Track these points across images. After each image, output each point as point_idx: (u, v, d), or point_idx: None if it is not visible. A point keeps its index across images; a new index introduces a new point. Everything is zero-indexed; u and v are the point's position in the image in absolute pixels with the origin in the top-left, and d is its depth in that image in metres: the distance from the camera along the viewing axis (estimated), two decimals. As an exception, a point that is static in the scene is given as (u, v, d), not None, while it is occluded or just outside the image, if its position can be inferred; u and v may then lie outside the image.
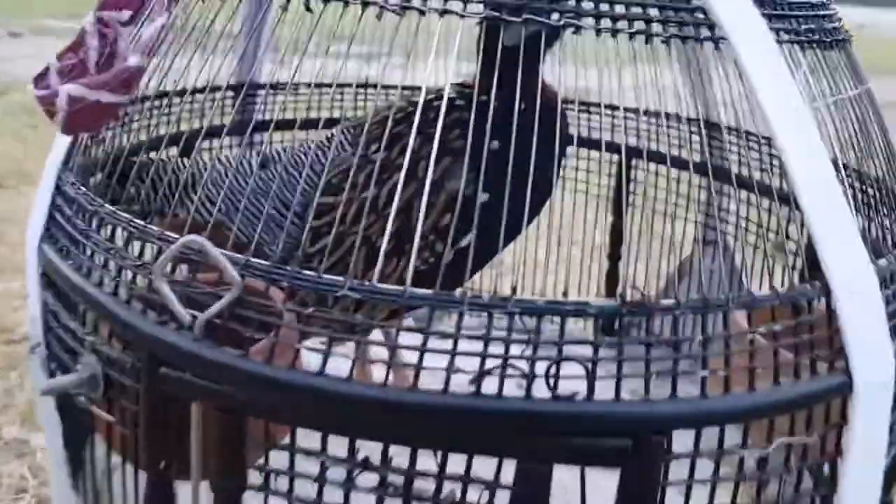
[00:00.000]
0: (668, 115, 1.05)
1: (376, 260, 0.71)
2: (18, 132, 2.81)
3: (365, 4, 0.50)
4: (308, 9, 0.52)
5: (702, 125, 0.99)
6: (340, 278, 0.47)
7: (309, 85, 1.00)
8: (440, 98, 0.74)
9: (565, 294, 0.47)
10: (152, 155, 0.74)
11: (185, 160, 0.82)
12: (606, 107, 1.13)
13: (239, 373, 0.47)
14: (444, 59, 0.53)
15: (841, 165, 0.55)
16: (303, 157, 0.83)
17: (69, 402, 0.63)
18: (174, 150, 0.90)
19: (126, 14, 0.59)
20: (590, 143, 1.11)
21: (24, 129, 2.84)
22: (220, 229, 0.71)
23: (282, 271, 0.48)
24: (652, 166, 1.09)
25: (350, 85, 1.07)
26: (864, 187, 0.63)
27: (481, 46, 0.73)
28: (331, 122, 1.00)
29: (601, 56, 0.62)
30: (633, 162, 1.09)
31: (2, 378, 1.21)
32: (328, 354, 0.46)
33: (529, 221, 0.71)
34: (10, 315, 1.41)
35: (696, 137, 1.01)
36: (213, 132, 0.89)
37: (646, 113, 1.03)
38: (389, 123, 0.59)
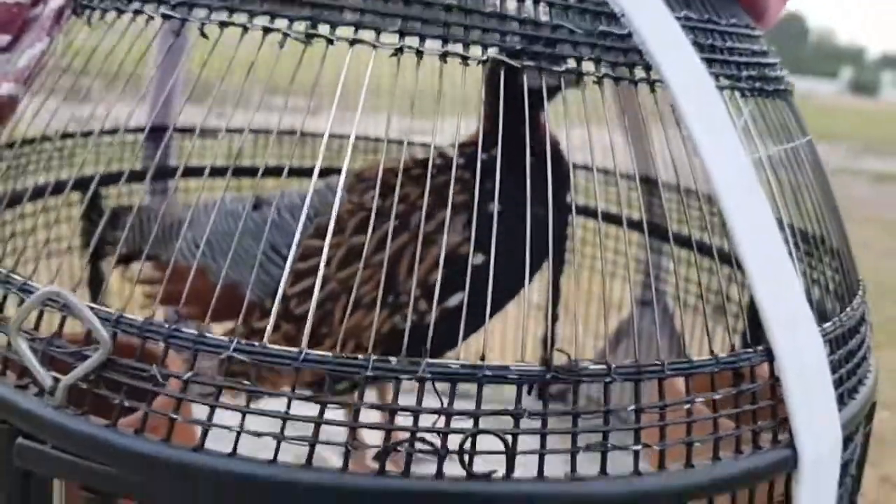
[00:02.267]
0: (605, 171, 1.02)
1: (356, 309, 0.67)
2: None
3: (266, 31, 0.45)
4: (203, 34, 0.46)
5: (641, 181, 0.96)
6: (224, 339, 0.41)
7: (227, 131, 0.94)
8: (444, 156, 0.74)
9: (482, 358, 0.41)
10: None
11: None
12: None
13: (105, 446, 0.41)
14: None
15: (784, 223, 0.51)
16: (298, 201, 0.80)
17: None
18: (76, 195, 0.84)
19: (5, 38, 0.53)
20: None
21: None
22: (205, 273, 0.66)
23: (157, 329, 0.41)
24: (590, 223, 1.06)
25: (270, 132, 1.02)
26: (806, 246, 0.59)
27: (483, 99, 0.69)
28: (243, 171, 0.95)
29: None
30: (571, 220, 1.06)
31: None
32: (209, 427, 0.40)
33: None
34: None
35: (634, 195, 0.98)
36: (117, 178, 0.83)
37: (582, 168, 1.00)
38: (390, 174, 0.57)
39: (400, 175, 0.57)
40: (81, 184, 0.76)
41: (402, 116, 0.56)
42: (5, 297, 0.46)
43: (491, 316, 0.54)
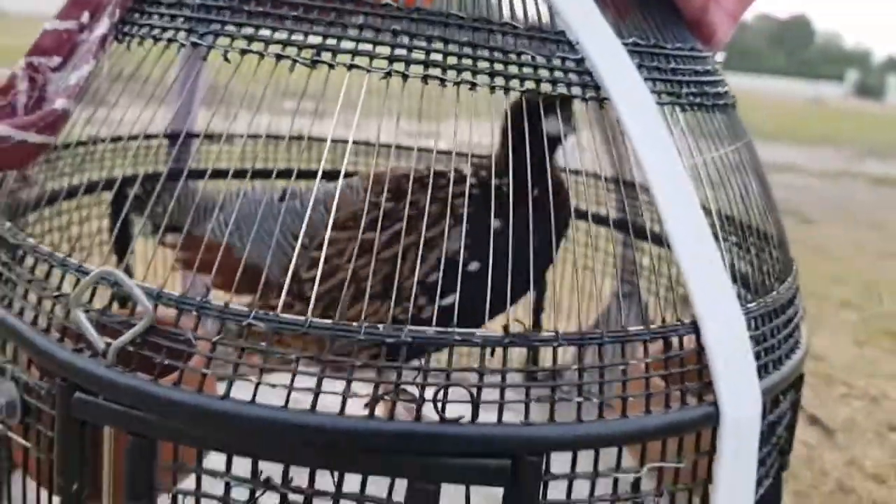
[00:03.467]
0: (586, 174, 1.11)
1: (361, 298, 0.75)
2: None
3: (279, 58, 0.55)
4: (226, 59, 0.56)
5: (616, 183, 1.05)
6: (245, 308, 0.50)
7: (242, 136, 1.04)
8: (458, 171, 0.82)
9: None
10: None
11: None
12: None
13: (149, 397, 0.50)
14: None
15: (714, 213, 0.60)
16: (321, 196, 0.86)
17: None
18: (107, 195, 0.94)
19: (56, 60, 0.63)
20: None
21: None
22: (230, 251, 0.75)
23: (190, 301, 0.51)
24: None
25: (283, 137, 1.12)
26: (737, 235, 0.69)
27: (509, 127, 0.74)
28: (259, 174, 1.04)
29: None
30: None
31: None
32: (233, 380, 0.50)
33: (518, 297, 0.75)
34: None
35: (612, 195, 1.08)
36: (148, 179, 0.93)
37: (569, 172, 1.09)
38: (406, 181, 0.65)
39: (411, 182, 0.67)
40: (130, 181, 0.87)
41: (409, 120, 0.65)
42: (63, 277, 0.55)
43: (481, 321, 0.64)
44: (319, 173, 0.60)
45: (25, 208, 0.71)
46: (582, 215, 1.04)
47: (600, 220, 1.05)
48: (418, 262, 0.77)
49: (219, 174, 0.99)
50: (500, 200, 0.68)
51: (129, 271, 0.97)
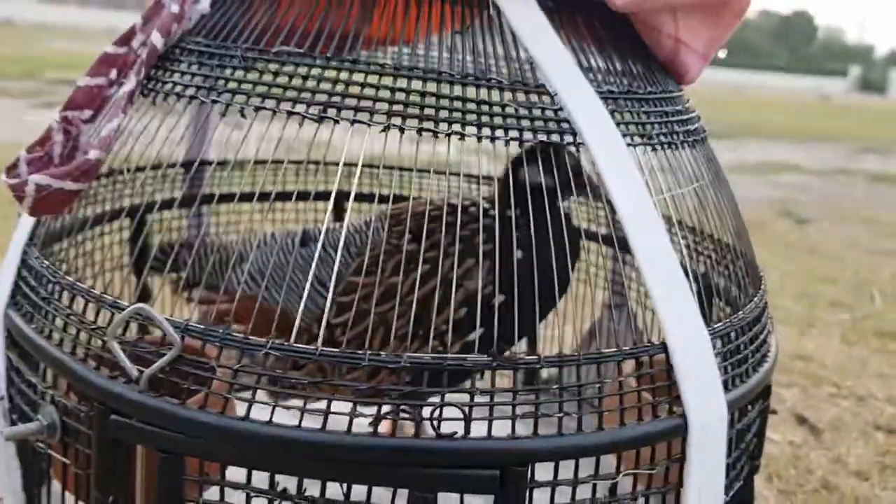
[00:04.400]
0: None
1: (389, 340, 0.78)
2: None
3: (289, 114, 0.61)
4: (242, 115, 0.63)
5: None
6: (263, 340, 0.57)
7: (251, 162, 1.11)
8: (474, 204, 0.84)
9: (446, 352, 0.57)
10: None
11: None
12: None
13: (177, 419, 0.57)
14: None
15: (681, 240, 0.67)
16: (338, 238, 0.88)
17: (27, 449, 0.71)
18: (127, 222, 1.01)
19: (87, 113, 0.69)
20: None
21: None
22: (263, 304, 0.79)
23: (215, 333, 0.58)
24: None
25: (291, 161, 1.18)
26: (712, 256, 0.75)
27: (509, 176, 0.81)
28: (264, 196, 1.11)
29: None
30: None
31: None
32: (252, 403, 0.56)
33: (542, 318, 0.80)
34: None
35: (601, 213, 1.14)
36: (165, 205, 1.00)
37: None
38: (424, 220, 0.71)
39: (427, 221, 0.72)
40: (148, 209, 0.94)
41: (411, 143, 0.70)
42: (98, 311, 0.62)
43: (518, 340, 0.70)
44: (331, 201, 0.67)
45: (52, 238, 0.78)
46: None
47: (591, 237, 1.12)
48: (451, 300, 0.78)
49: (230, 198, 1.06)
50: (520, 231, 0.72)
51: (147, 292, 1.05)
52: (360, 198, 1.26)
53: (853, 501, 1.28)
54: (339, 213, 1.28)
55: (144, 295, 1.03)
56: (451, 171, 1.25)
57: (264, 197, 1.18)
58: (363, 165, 1.27)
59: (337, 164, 1.25)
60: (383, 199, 1.13)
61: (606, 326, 1.20)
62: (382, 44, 0.76)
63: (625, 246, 1.12)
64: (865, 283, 2.65)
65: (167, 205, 1.05)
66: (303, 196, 1.23)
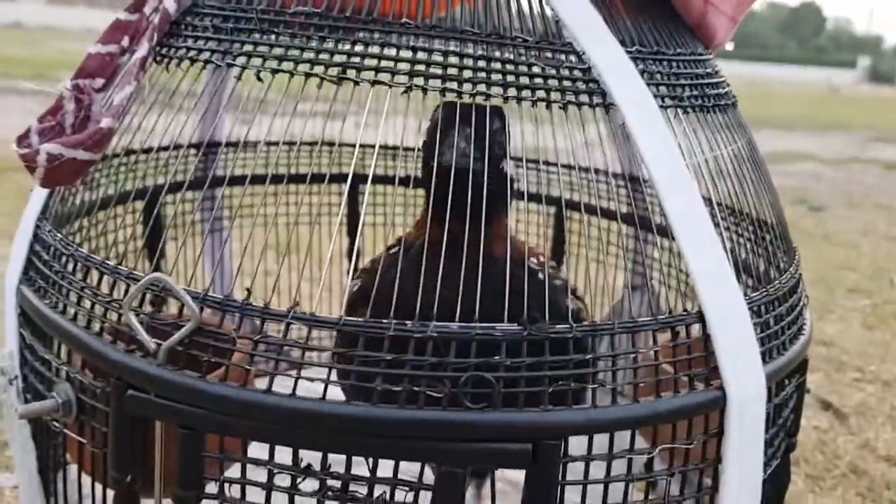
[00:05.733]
0: (597, 171, 1.15)
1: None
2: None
3: (307, 76, 0.59)
4: (259, 78, 0.60)
5: (627, 179, 1.09)
6: (284, 309, 0.55)
7: (265, 143, 1.09)
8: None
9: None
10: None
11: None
12: (543, 163, 1.24)
13: (198, 393, 0.55)
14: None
15: (717, 206, 0.64)
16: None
17: (42, 431, 0.69)
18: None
19: (99, 81, 0.67)
20: (529, 197, 1.21)
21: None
22: None
23: (234, 304, 0.55)
24: (585, 217, 1.19)
25: (303, 143, 1.16)
26: (746, 226, 0.72)
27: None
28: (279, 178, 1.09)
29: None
30: (568, 213, 1.20)
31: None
32: (275, 375, 0.54)
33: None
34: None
35: (622, 191, 1.12)
36: (176, 187, 0.98)
37: (578, 168, 1.13)
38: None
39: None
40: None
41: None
42: (114, 284, 0.60)
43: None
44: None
45: (69, 216, 0.75)
46: (593, 210, 1.07)
47: (611, 216, 1.10)
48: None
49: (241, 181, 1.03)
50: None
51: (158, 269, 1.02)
52: (376, 180, 1.24)
53: (883, 486, 1.25)
54: (353, 196, 1.25)
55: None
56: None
57: (277, 179, 1.16)
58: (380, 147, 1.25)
59: (351, 146, 1.23)
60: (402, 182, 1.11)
61: (627, 306, 1.18)
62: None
63: (646, 225, 1.10)
64: (883, 270, 2.61)
65: (178, 187, 1.02)
66: (317, 178, 1.21)
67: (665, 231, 1.02)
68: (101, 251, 0.83)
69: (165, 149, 0.98)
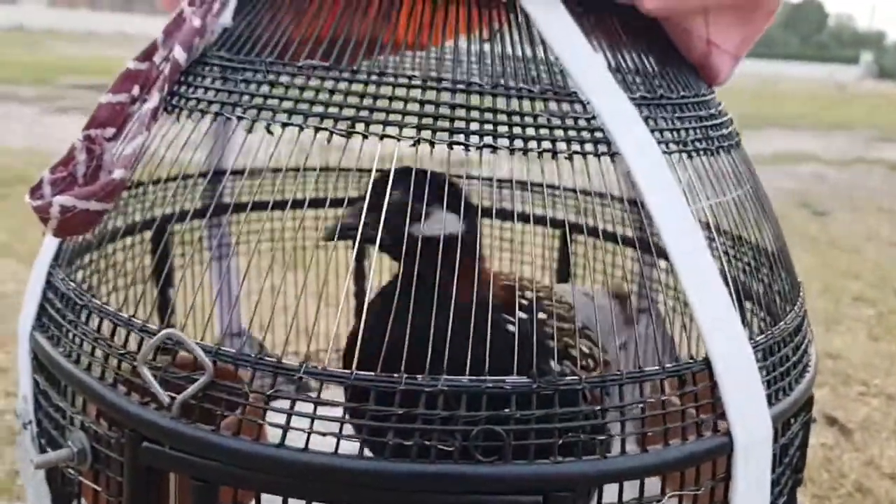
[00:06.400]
0: (602, 195, 1.15)
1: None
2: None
3: (317, 130, 0.60)
4: (269, 132, 0.61)
5: (631, 204, 1.09)
6: (296, 364, 0.55)
7: (269, 170, 1.10)
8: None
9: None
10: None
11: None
12: (549, 186, 1.25)
13: (211, 446, 0.55)
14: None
15: (721, 251, 0.65)
16: None
17: (56, 474, 0.70)
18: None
19: (110, 131, 0.68)
20: (535, 219, 1.22)
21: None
22: None
23: (247, 358, 0.56)
24: (591, 240, 1.20)
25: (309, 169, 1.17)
26: (749, 263, 0.73)
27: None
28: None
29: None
30: (573, 236, 1.20)
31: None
32: (287, 429, 0.55)
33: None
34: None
35: (628, 216, 1.12)
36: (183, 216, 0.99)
37: (583, 192, 1.13)
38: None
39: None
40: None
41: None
42: (128, 335, 0.61)
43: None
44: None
45: (77, 252, 0.76)
46: (608, 236, 1.08)
47: (625, 241, 1.10)
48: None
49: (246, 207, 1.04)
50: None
51: (166, 302, 1.03)
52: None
53: (888, 504, 1.25)
54: None
55: (163, 306, 1.02)
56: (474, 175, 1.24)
57: (279, 206, 1.17)
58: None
59: (351, 171, 1.24)
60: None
61: (635, 331, 1.18)
62: (410, 48, 0.74)
63: (651, 249, 1.11)
64: (888, 278, 2.62)
65: (183, 216, 1.03)
66: (316, 203, 1.22)
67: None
68: (111, 281, 0.84)
69: (173, 179, 1.00)
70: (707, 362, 0.60)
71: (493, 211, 1.22)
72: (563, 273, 1.27)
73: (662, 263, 1.09)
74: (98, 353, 0.62)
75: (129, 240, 0.96)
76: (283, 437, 0.55)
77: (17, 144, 3.86)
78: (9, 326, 1.73)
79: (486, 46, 0.67)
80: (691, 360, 0.60)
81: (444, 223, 0.68)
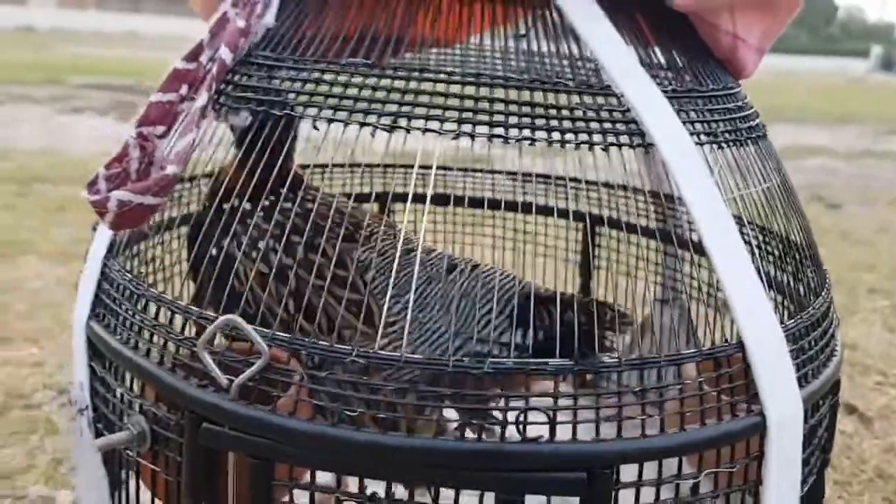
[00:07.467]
0: (626, 188, 1.18)
1: None
2: (8, 201, 2.89)
3: (362, 125, 0.62)
4: (315, 128, 0.64)
5: (656, 196, 1.12)
6: (348, 348, 0.58)
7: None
8: None
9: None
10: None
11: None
12: (571, 179, 1.27)
13: (269, 426, 0.58)
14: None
15: (754, 239, 0.67)
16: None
17: (113, 457, 0.73)
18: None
19: (161, 128, 0.71)
20: (557, 212, 1.24)
21: (13, 198, 2.94)
22: None
23: (301, 342, 0.59)
24: (614, 232, 1.23)
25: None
26: (782, 254, 0.76)
27: None
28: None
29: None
30: (597, 229, 1.23)
31: (23, 441, 1.30)
32: (341, 410, 0.58)
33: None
34: (24, 382, 1.49)
35: (651, 207, 1.15)
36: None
37: (607, 185, 1.16)
38: None
39: None
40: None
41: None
42: (185, 323, 0.64)
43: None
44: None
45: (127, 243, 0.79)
46: (631, 227, 1.11)
47: (646, 232, 1.13)
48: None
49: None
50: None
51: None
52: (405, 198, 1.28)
53: (909, 490, 1.27)
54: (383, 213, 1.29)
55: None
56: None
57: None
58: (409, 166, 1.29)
59: (378, 166, 1.27)
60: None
61: (658, 321, 1.21)
62: (448, 44, 0.76)
63: (672, 239, 1.13)
64: (896, 272, 2.63)
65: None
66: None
67: (696, 247, 1.06)
68: (166, 270, 0.87)
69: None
70: (741, 345, 0.62)
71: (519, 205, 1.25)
72: (585, 266, 1.30)
73: (686, 255, 1.13)
74: (156, 339, 0.65)
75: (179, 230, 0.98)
76: (338, 416, 0.57)
77: (33, 145, 3.90)
78: (39, 323, 1.76)
79: (522, 42, 0.69)
80: (726, 344, 0.63)
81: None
